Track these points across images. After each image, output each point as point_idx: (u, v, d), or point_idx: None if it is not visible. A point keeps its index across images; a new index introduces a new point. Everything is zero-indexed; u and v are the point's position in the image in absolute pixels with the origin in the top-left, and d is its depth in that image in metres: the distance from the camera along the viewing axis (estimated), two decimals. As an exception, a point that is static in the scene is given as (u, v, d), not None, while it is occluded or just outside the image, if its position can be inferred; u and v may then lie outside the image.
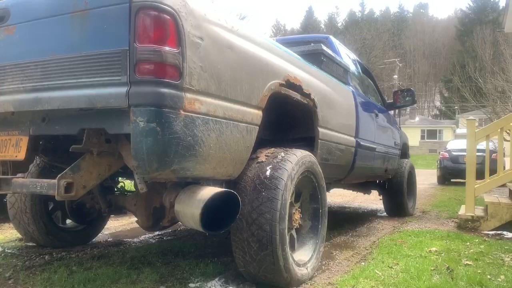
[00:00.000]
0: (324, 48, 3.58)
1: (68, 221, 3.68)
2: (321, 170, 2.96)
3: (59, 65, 2.07)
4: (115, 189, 3.23)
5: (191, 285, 2.54)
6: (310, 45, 3.72)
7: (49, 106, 2.07)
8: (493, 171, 5.31)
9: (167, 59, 1.86)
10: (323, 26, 70.78)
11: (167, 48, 1.87)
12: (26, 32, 2.22)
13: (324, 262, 3.18)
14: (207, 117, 2.05)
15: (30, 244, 3.55)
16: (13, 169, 2.54)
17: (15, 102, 2.20)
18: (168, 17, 1.88)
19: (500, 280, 2.79)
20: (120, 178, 3.25)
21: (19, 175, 2.47)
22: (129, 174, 2.82)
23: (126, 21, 1.88)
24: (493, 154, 9.10)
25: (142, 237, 4.07)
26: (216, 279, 2.62)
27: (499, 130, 5.21)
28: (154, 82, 1.85)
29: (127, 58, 1.87)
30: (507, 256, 3.49)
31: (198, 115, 1.99)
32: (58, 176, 2.11)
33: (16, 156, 2.32)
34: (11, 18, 2.26)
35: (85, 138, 2.15)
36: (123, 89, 1.87)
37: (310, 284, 2.64)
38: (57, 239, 3.45)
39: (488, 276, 2.86)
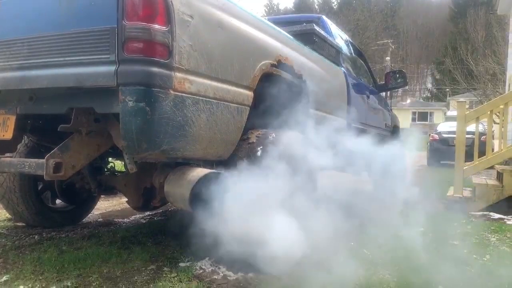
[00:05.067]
0: (317, 28, 3.55)
1: (58, 201, 3.67)
2: (311, 151, 2.96)
3: (46, 42, 2.03)
4: (105, 169, 3.21)
5: (181, 264, 2.56)
6: (302, 25, 3.68)
7: (37, 84, 2.04)
8: (482, 154, 5.36)
9: (156, 37, 1.83)
10: (316, 6, 70.03)
11: (156, 26, 1.83)
12: (12, 9, 2.16)
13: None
14: (197, 97, 2.03)
15: (20, 224, 3.54)
16: (0, 148, 2.51)
17: (1, 80, 2.16)
18: (157, -6, 1.84)
19: (485, 259, 2.85)
20: (110, 158, 3.23)
21: (7, 154, 2.44)
22: (119, 154, 2.80)
23: (114, -2, 1.84)
24: (482, 137, 9.18)
25: (132, 218, 4.07)
26: (207, 259, 2.63)
27: (488, 112, 5.26)
28: (143, 61, 1.83)
29: (116, 36, 1.84)
30: (493, 236, 3.56)
31: (188, 95, 1.97)
32: (47, 155, 2.09)
33: (3, 136, 2.29)
34: (-4, -7, 2.20)
35: (74, 117, 2.13)
36: (111, 68, 1.84)
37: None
38: (47, 219, 3.44)
39: (474, 256, 2.91)
